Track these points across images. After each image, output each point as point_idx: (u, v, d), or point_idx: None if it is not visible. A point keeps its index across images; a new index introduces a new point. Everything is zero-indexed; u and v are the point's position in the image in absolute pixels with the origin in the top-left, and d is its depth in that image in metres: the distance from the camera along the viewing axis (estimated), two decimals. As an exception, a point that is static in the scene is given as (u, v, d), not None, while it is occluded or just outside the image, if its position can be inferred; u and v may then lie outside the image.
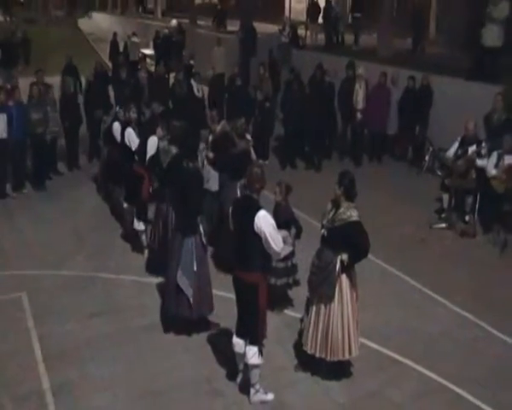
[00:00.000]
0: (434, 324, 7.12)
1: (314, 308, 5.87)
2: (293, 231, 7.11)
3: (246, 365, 5.75)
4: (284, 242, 6.97)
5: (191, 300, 6.49)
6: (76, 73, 14.15)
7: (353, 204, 5.68)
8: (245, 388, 5.83)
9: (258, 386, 5.73)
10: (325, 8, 19.98)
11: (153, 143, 8.39)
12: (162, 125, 8.66)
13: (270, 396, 5.76)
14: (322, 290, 5.74)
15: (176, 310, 6.64)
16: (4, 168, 10.87)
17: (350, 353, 5.84)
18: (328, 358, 5.83)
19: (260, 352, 5.57)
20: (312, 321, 5.87)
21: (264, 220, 5.34)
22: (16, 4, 44.50)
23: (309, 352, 5.93)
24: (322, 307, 5.78)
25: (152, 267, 8.01)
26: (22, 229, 9.66)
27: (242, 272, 5.54)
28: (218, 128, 8.84)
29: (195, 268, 6.50)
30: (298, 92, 12.77)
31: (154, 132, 8.51)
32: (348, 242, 5.61)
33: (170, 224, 7.51)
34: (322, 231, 5.80)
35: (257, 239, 5.36)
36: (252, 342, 5.58)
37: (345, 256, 5.65)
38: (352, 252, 5.64)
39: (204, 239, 6.68)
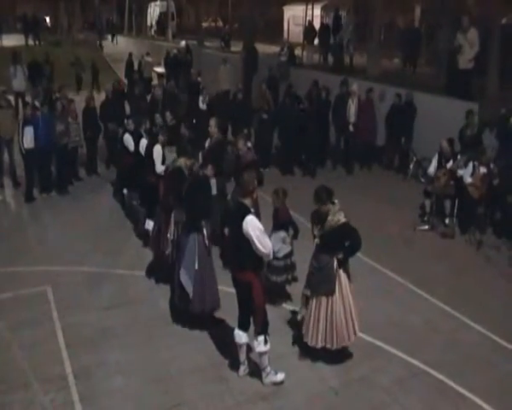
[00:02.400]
0: (417, 315, 7.15)
1: (314, 305, 5.86)
2: (291, 232, 7.14)
3: (248, 355, 5.81)
4: (283, 242, 7.03)
5: (191, 295, 6.47)
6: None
7: (338, 207, 5.72)
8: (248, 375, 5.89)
9: (268, 369, 5.76)
10: (320, 32, 20.10)
11: (157, 150, 8.39)
12: (163, 133, 8.65)
13: (280, 376, 5.78)
14: (322, 288, 5.76)
15: (179, 303, 6.66)
16: (32, 175, 10.93)
17: (355, 333, 5.89)
18: (335, 346, 5.85)
19: (266, 340, 5.60)
20: (313, 316, 5.86)
21: (250, 224, 5.35)
22: (43, 29, 44.51)
23: (310, 344, 5.91)
24: (324, 302, 5.78)
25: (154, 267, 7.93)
26: (47, 229, 9.72)
27: (237, 272, 5.58)
28: (214, 138, 8.80)
29: (197, 267, 6.46)
30: (290, 107, 12.82)
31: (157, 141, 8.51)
32: (342, 241, 5.67)
33: (164, 230, 7.45)
34: (316, 240, 5.81)
35: (247, 241, 5.38)
36: (257, 333, 5.61)
37: (340, 256, 5.71)
38: (347, 248, 5.69)
39: (207, 241, 6.62)
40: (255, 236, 5.32)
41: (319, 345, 5.88)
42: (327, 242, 5.72)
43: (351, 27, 17.28)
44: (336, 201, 5.79)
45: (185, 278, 6.48)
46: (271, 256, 5.74)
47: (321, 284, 5.77)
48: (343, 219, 5.65)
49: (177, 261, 6.75)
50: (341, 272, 5.77)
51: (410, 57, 16.67)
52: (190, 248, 6.50)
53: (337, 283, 5.75)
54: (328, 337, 5.83)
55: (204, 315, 6.71)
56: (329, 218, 5.68)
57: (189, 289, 6.47)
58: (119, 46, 37.10)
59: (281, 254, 6.98)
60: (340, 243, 5.69)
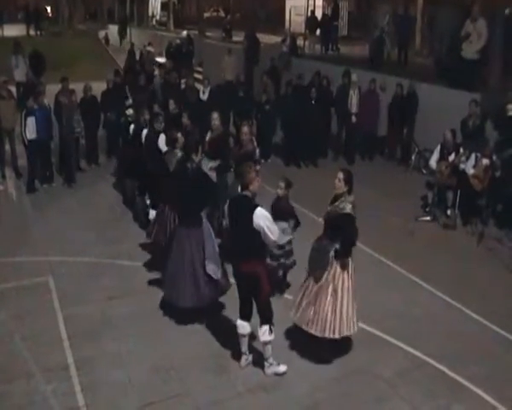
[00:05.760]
0: (418, 306, 7.14)
1: (314, 289, 5.80)
2: (292, 223, 7.10)
3: (251, 345, 5.81)
4: (284, 233, 6.99)
5: (220, 281, 6.47)
6: None
7: (351, 198, 5.69)
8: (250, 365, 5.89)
9: (271, 360, 5.76)
10: (323, 21, 20.01)
11: (162, 140, 8.32)
12: (160, 120, 8.64)
13: (282, 368, 5.79)
14: (315, 268, 5.75)
15: (197, 303, 6.46)
16: (34, 166, 10.91)
17: (335, 333, 5.75)
18: (319, 333, 5.77)
19: (271, 329, 5.61)
20: (310, 301, 5.81)
21: (261, 217, 5.37)
22: (45, 19, 44.25)
23: (303, 327, 5.86)
24: (325, 288, 5.74)
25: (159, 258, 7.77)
26: (49, 219, 9.70)
27: (244, 264, 5.53)
28: (215, 131, 8.76)
29: (217, 249, 6.51)
30: (292, 97, 12.75)
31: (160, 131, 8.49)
32: (338, 232, 5.63)
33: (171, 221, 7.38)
34: (320, 219, 5.80)
35: (256, 234, 5.39)
36: (262, 322, 5.62)
37: (338, 246, 5.67)
38: (341, 242, 5.64)
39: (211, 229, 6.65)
40: (266, 227, 5.37)
41: (310, 329, 5.79)
42: (327, 226, 5.72)
43: (387, 18, 16.07)
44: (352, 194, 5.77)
45: (213, 269, 6.37)
46: (281, 242, 5.72)
47: (315, 263, 5.76)
48: (347, 210, 5.61)
49: (180, 259, 6.46)
50: (335, 265, 5.71)
51: (402, 45, 16.36)
52: (208, 237, 6.44)
53: (331, 275, 5.70)
54: (312, 322, 5.77)
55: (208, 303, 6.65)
56: (336, 203, 5.66)
57: (218, 275, 6.42)
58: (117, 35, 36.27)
59: (280, 243, 6.96)
60: (336, 232, 5.66)
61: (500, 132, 10.32)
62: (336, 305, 5.73)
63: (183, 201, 6.57)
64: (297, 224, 7.10)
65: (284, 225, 7.01)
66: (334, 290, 5.72)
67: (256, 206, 5.43)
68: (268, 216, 5.45)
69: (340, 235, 5.63)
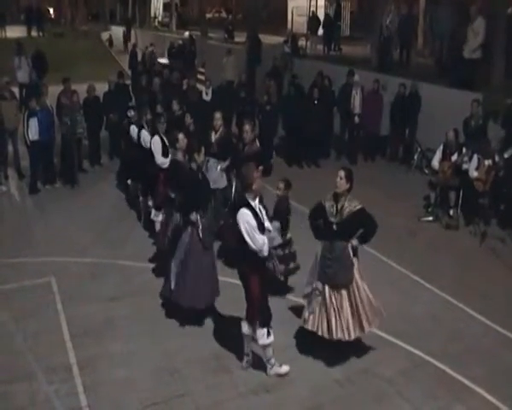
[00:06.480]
0: (421, 306, 7.14)
1: (337, 297, 5.77)
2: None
3: (254, 346, 5.81)
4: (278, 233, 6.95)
5: (172, 287, 6.45)
6: None
7: (351, 195, 5.76)
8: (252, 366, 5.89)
9: (272, 361, 5.74)
10: (325, 22, 20.04)
11: (155, 142, 8.30)
12: (162, 121, 8.60)
13: (284, 369, 5.78)
14: (341, 277, 5.73)
15: (169, 295, 6.59)
16: (37, 167, 10.94)
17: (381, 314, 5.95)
18: (366, 331, 5.89)
19: (269, 333, 5.58)
20: (336, 310, 5.76)
21: (241, 217, 5.31)
22: (47, 20, 44.34)
23: (339, 338, 5.77)
24: (345, 292, 5.76)
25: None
26: (52, 220, 9.72)
27: (238, 264, 5.60)
28: (220, 132, 8.75)
29: (183, 257, 6.42)
30: (294, 98, 12.79)
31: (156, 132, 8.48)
32: (359, 226, 5.74)
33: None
34: (334, 227, 5.74)
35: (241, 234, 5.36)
36: (260, 325, 5.59)
37: (355, 242, 5.74)
38: (364, 232, 5.76)
39: (200, 233, 6.50)
40: (244, 229, 5.28)
41: (353, 336, 5.81)
42: (345, 228, 5.71)
43: (391, 17, 15.31)
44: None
45: (174, 271, 6.44)
46: (265, 253, 5.49)
47: (338, 273, 5.71)
48: (359, 205, 5.71)
49: (170, 255, 6.64)
50: (355, 260, 5.82)
51: (404, 45, 16.30)
52: (182, 242, 6.46)
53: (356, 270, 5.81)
54: (357, 325, 5.81)
55: (198, 309, 6.62)
56: (345, 204, 5.70)
57: (173, 281, 6.44)
58: (120, 37, 36.29)
59: (275, 244, 6.91)
60: (356, 230, 5.73)
61: (508, 131, 10.30)
62: (369, 294, 5.86)
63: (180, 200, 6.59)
64: (284, 227, 6.94)
65: (279, 224, 6.98)
66: (362, 281, 5.83)
67: (243, 206, 5.37)
68: (248, 220, 5.27)
69: (361, 228, 5.73)
